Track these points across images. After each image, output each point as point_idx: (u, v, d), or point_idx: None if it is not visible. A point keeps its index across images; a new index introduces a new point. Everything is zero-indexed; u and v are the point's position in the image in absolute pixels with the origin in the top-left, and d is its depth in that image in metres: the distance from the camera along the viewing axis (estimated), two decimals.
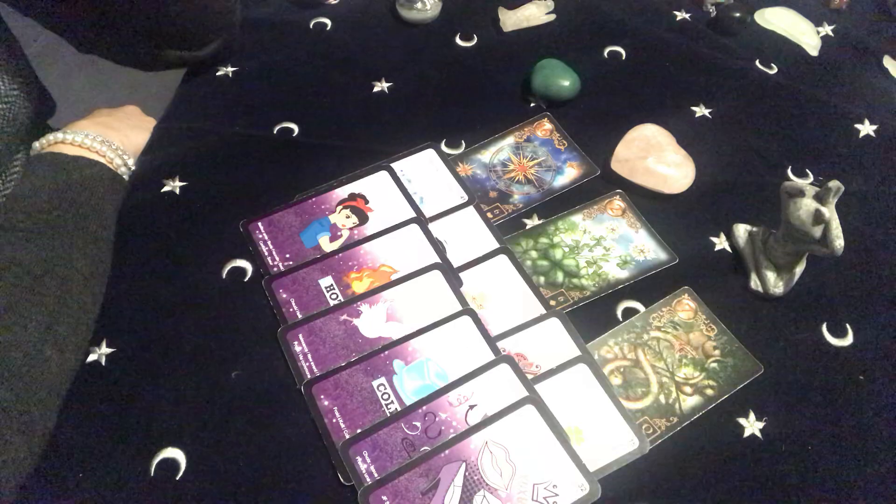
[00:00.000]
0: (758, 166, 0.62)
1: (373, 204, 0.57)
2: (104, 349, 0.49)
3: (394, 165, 0.60)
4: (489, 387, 0.47)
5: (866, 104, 0.68)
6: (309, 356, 0.49)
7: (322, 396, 0.47)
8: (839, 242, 0.47)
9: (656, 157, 0.59)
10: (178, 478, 0.44)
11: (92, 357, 0.49)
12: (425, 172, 0.60)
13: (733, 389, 0.48)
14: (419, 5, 0.72)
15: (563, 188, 0.59)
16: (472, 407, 0.46)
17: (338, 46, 0.71)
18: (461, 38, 0.72)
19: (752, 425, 0.47)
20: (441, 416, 0.46)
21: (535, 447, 0.45)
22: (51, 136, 0.56)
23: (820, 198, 0.47)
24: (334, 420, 0.46)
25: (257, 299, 0.52)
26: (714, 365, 0.49)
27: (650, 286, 0.53)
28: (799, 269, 0.52)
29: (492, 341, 0.49)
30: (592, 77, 0.67)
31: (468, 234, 0.56)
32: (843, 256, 0.48)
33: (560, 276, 0.54)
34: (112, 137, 0.58)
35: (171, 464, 0.45)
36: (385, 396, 0.47)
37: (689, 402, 0.47)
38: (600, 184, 0.60)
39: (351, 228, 0.56)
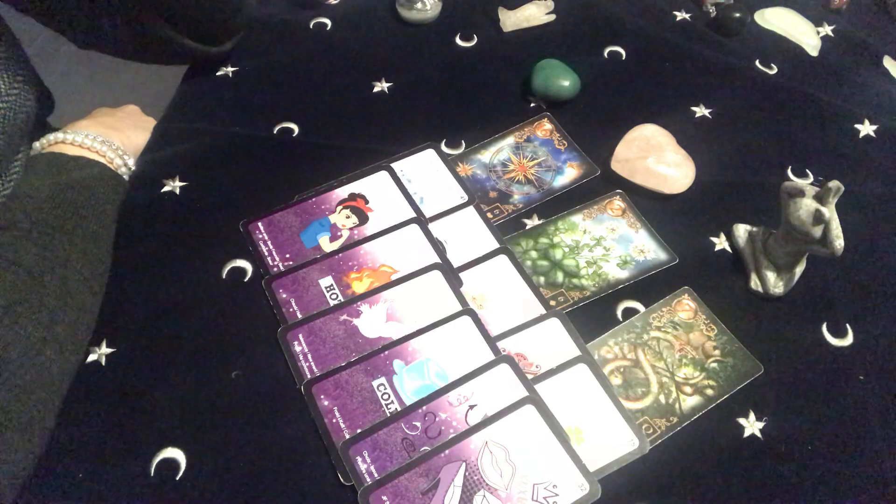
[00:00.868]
0: (758, 166, 0.62)
1: (373, 204, 0.57)
2: (104, 349, 0.49)
3: (394, 165, 0.60)
4: (489, 387, 0.47)
5: (866, 104, 0.68)
6: (309, 356, 0.49)
7: (322, 396, 0.47)
8: (839, 242, 0.47)
9: (656, 157, 0.59)
10: (178, 478, 0.44)
11: (92, 357, 0.49)
12: (425, 172, 0.60)
13: (733, 389, 0.48)
14: (419, 5, 0.72)
15: (563, 188, 0.59)
16: (472, 407, 0.46)
17: (338, 46, 0.71)
18: (461, 38, 0.72)
19: (752, 425, 0.47)
20: (441, 416, 0.46)
21: (535, 447, 0.45)
22: (51, 136, 0.56)
23: (820, 198, 0.47)
24: (334, 420, 0.46)
25: (257, 299, 0.52)
26: (714, 365, 0.49)
27: (650, 286, 0.53)
28: (799, 269, 0.52)
29: (492, 341, 0.49)
30: (592, 77, 0.67)
31: (468, 234, 0.56)
32: (843, 256, 0.48)
33: (560, 277, 0.54)
34: (112, 137, 0.58)
35: (171, 464, 0.45)
36: (385, 396, 0.47)
37: (689, 402, 0.47)
38: (600, 184, 0.60)
39: (351, 228, 0.56)
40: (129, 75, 0.66)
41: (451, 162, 0.60)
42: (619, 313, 0.52)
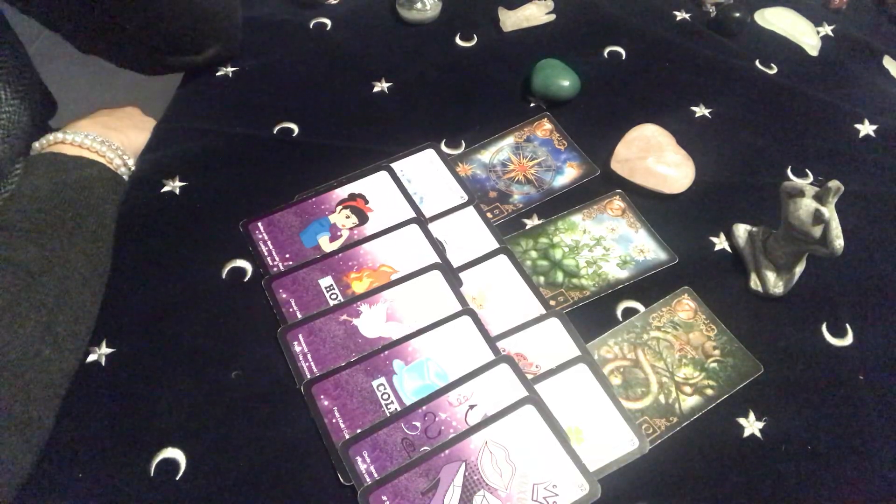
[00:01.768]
0: (758, 166, 0.62)
1: (373, 204, 0.57)
2: (104, 349, 0.49)
3: (394, 165, 0.60)
4: (489, 387, 0.47)
5: (866, 104, 0.68)
6: (309, 356, 0.49)
7: (322, 396, 0.47)
8: (839, 242, 0.47)
9: (656, 157, 0.59)
10: (178, 478, 0.44)
11: (92, 357, 0.49)
12: (425, 172, 0.60)
13: (733, 389, 0.48)
14: (419, 5, 0.72)
15: (563, 188, 0.59)
16: (471, 407, 0.46)
17: (338, 46, 0.71)
18: (461, 38, 0.72)
19: (752, 425, 0.47)
20: (441, 416, 0.46)
21: (535, 447, 0.45)
22: (51, 136, 0.56)
23: (820, 198, 0.47)
24: (334, 420, 0.46)
25: (257, 299, 0.52)
26: (714, 365, 0.49)
27: (650, 286, 0.53)
28: (799, 269, 0.52)
29: (492, 341, 0.49)
30: (592, 77, 0.67)
31: (468, 234, 0.56)
32: (843, 256, 0.48)
33: (560, 276, 0.54)
34: (112, 137, 0.58)
35: (171, 464, 0.45)
36: (385, 396, 0.47)
37: (689, 402, 0.47)
38: (600, 184, 0.60)
39: (351, 228, 0.56)
40: (129, 75, 0.66)
41: (450, 162, 0.60)
42: (618, 313, 0.52)
